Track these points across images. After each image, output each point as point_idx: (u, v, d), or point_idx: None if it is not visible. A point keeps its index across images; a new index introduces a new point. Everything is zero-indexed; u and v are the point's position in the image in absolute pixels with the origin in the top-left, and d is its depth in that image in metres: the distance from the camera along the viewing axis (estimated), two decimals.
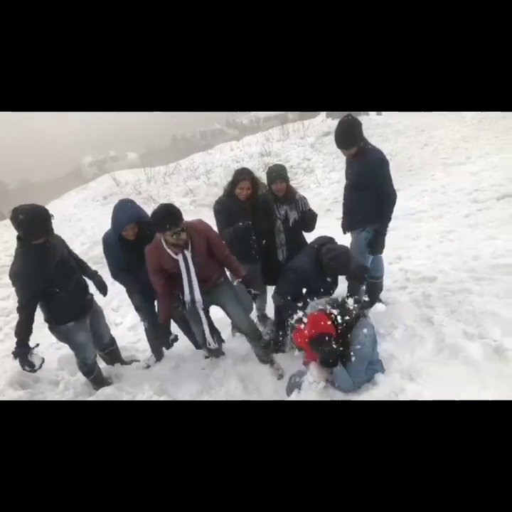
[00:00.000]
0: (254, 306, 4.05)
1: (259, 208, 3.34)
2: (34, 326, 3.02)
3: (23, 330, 2.99)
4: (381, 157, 3.23)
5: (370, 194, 3.22)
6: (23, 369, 3.02)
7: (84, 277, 3.40)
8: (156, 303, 3.32)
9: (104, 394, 3.33)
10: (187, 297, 2.99)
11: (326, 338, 2.51)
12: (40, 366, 3.02)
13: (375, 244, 3.36)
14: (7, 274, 3.03)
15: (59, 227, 3.55)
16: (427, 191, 6.98)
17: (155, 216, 2.72)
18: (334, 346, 2.52)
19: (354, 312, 2.69)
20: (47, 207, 3.05)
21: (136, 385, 3.42)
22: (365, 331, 2.62)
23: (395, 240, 3.56)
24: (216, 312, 3.43)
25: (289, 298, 3.10)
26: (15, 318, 5.20)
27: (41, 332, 3.32)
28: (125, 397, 3.27)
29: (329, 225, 5.35)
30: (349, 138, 3.19)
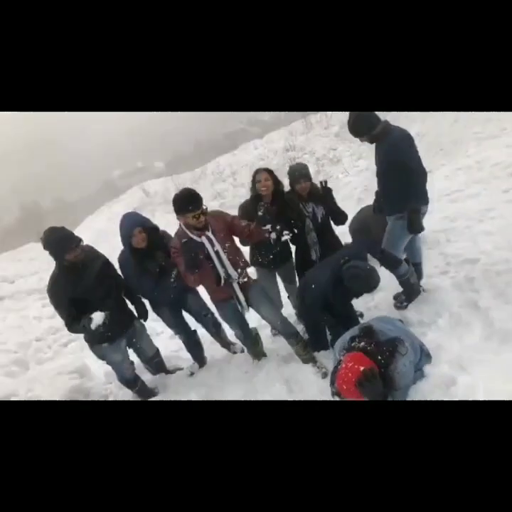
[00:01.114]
0: (291, 304, 4.03)
1: (287, 207, 3.33)
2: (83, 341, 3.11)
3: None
4: (402, 134, 3.11)
5: (400, 176, 3.08)
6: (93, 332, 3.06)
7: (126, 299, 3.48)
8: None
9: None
10: (221, 273, 3.02)
11: (372, 374, 2.35)
12: (106, 320, 3.02)
13: (411, 223, 3.18)
14: None
15: (96, 244, 3.65)
16: (462, 169, 6.68)
17: (176, 200, 2.87)
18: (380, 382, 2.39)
19: (387, 337, 2.56)
20: (81, 224, 3.23)
21: (182, 394, 3.46)
22: (405, 361, 2.45)
23: (432, 222, 3.42)
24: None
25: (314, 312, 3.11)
26: (64, 335, 5.48)
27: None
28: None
29: None
30: (359, 125, 3.12)
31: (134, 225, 3.16)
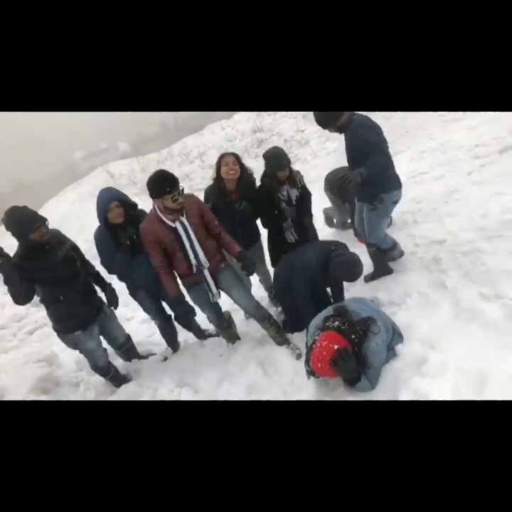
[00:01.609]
0: (263, 286, 4.05)
1: (260, 197, 3.39)
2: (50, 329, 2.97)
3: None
4: (363, 123, 3.11)
5: (364, 164, 3.09)
6: None
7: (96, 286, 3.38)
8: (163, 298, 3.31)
9: (126, 391, 3.36)
10: (193, 261, 2.99)
11: (346, 352, 2.40)
12: None
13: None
14: None
15: (60, 227, 3.51)
16: (426, 151, 6.83)
17: (152, 182, 2.79)
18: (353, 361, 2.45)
19: (360, 317, 2.61)
20: (44, 207, 3.10)
21: (156, 379, 3.44)
22: (378, 340, 2.51)
23: (400, 204, 3.48)
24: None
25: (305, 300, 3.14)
26: (29, 323, 5.30)
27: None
28: (146, 392, 3.29)
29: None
30: (324, 117, 3.14)
31: (111, 198, 3.10)
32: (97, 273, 3.43)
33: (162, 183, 2.77)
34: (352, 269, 3.05)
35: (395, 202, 3.38)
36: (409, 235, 4.18)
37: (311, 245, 3.39)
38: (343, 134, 3.22)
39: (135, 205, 3.25)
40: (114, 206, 3.07)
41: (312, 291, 3.16)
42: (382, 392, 2.43)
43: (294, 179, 3.44)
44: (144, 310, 3.65)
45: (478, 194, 4.38)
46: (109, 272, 3.38)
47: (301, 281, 3.15)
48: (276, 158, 3.35)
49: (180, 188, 2.81)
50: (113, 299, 3.42)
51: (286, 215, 3.43)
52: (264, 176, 3.42)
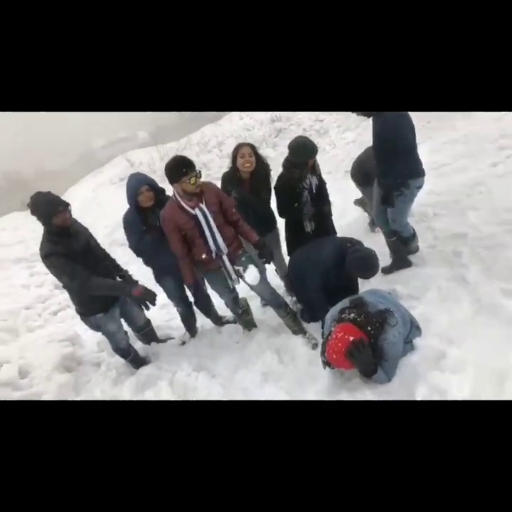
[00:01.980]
0: (278, 275, 4.06)
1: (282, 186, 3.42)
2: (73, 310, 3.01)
3: (109, 289, 3.15)
4: (398, 112, 3.10)
5: (390, 153, 3.14)
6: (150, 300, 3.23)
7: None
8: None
9: (145, 373, 3.44)
10: (212, 247, 3.03)
11: (362, 344, 2.41)
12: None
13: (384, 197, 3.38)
14: (39, 262, 3.11)
15: (80, 214, 3.58)
16: (448, 143, 6.70)
17: (169, 167, 2.84)
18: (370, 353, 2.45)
19: (377, 309, 2.61)
20: (66, 194, 3.14)
21: (174, 363, 3.51)
22: (394, 332, 2.51)
23: (419, 196, 3.45)
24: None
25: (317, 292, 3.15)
26: (52, 304, 5.44)
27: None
28: (165, 375, 3.36)
29: (348, 188, 5.24)
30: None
31: (141, 182, 3.18)
32: (114, 260, 3.53)
33: (179, 167, 2.81)
34: (369, 264, 3.04)
35: (419, 187, 3.38)
36: (429, 227, 4.14)
37: (328, 239, 3.40)
38: (370, 119, 3.24)
39: (163, 190, 3.32)
40: (144, 190, 3.16)
41: (323, 286, 3.17)
42: (398, 385, 2.44)
43: (317, 167, 3.45)
44: (169, 297, 3.72)
45: (502, 187, 4.29)
46: (137, 255, 3.46)
47: (314, 275, 3.17)
48: (308, 147, 3.34)
49: (198, 170, 2.86)
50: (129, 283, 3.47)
51: (306, 203, 3.43)
52: (290, 166, 3.39)
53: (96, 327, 3.39)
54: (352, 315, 2.58)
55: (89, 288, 3.02)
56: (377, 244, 3.75)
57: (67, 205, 3.00)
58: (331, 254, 3.13)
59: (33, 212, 2.95)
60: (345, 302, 2.79)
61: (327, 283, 3.16)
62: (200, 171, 2.88)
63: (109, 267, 3.39)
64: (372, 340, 2.48)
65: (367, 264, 3.04)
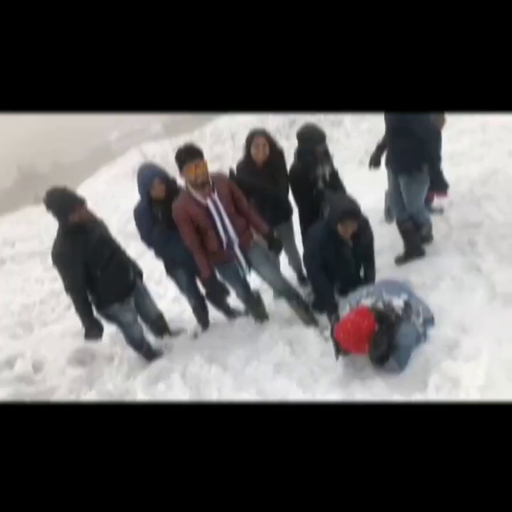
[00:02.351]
0: (291, 268, 4.04)
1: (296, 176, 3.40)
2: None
3: (80, 309, 3.16)
4: None
5: (407, 138, 3.11)
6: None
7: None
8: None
9: (157, 366, 3.45)
10: (223, 238, 3.02)
11: (382, 329, 2.42)
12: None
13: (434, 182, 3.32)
14: None
15: (95, 206, 3.61)
16: (466, 131, 6.57)
17: (178, 153, 2.84)
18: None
19: (392, 298, 2.60)
20: (80, 187, 3.15)
21: (186, 355, 3.51)
22: (408, 321, 2.51)
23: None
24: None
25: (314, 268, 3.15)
26: (65, 299, 5.51)
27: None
28: (177, 367, 3.37)
29: (362, 179, 5.17)
30: None
31: (153, 175, 3.16)
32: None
33: (184, 152, 2.80)
34: (346, 200, 3.00)
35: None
36: (443, 216, 4.07)
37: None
38: None
39: (175, 181, 3.30)
40: (156, 183, 3.13)
41: (323, 266, 3.12)
42: (412, 374, 2.43)
43: (329, 154, 3.41)
44: (180, 289, 3.73)
45: None
46: (148, 246, 3.47)
47: (310, 259, 3.17)
48: (315, 134, 3.32)
49: (203, 160, 2.82)
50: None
51: (321, 192, 3.39)
52: (302, 155, 3.36)
53: (112, 319, 3.40)
54: (368, 302, 2.60)
55: (70, 296, 3.15)
56: (392, 235, 3.71)
57: (83, 201, 3.01)
58: (321, 227, 3.11)
59: (48, 208, 2.95)
60: (361, 292, 2.79)
61: (325, 262, 3.12)
62: (202, 161, 2.83)
63: (126, 259, 3.42)
64: (386, 329, 2.48)
65: (344, 199, 3.02)
